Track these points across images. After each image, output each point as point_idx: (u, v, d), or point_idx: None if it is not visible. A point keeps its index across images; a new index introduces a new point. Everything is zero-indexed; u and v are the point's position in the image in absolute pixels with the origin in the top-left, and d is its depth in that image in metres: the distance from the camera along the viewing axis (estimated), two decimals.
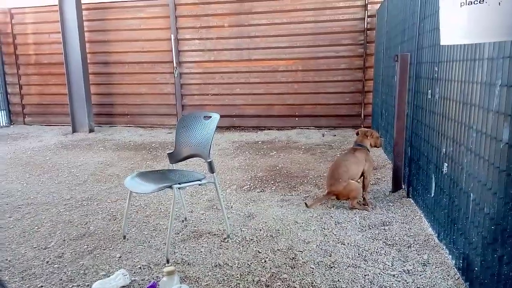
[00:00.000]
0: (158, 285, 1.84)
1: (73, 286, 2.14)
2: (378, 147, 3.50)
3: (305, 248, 2.51)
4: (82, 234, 2.80)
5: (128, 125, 7.67)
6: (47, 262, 2.42)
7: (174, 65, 7.21)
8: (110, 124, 7.74)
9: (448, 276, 2.14)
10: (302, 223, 2.89)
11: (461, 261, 2.11)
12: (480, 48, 1.86)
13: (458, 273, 2.14)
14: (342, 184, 3.09)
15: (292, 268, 2.27)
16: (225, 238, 2.67)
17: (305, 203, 3.18)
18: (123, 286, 2.10)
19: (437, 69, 2.61)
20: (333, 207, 3.19)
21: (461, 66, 2.14)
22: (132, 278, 2.18)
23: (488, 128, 1.78)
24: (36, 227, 2.94)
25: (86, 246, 2.61)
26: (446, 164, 2.38)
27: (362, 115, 6.84)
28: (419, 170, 3.05)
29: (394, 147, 3.50)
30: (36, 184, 4.05)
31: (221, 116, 2.73)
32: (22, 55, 7.98)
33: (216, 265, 2.32)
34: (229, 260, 2.37)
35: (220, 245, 2.57)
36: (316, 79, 6.86)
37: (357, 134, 3.44)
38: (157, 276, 2.18)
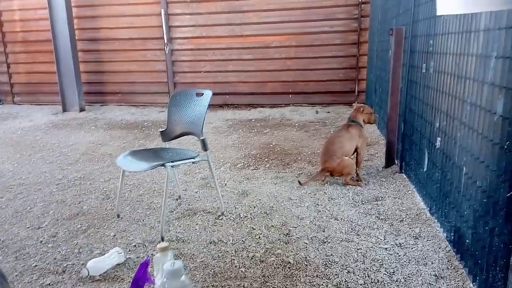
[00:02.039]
0: (152, 261, 1.84)
1: (67, 264, 2.15)
2: (371, 124, 3.48)
3: (299, 224, 2.53)
4: (75, 213, 2.79)
5: (120, 104, 7.56)
6: (41, 241, 2.41)
7: (165, 41, 7.05)
8: (101, 103, 7.62)
9: (439, 248, 2.17)
10: (296, 199, 2.90)
11: (452, 234, 2.14)
12: (476, 19, 1.83)
13: (449, 246, 2.17)
14: (336, 161, 3.09)
15: (286, 243, 2.29)
16: (219, 216, 2.67)
17: (299, 181, 3.18)
18: (118, 264, 2.10)
19: (432, 42, 2.57)
20: (326, 183, 3.20)
21: (457, 38, 2.10)
22: (127, 256, 2.19)
23: (483, 101, 1.76)
24: (29, 207, 2.92)
25: (80, 225, 2.60)
26: (439, 139, 2.38)
27: (356, 92, 6.79)
28: (412, 145, 3.06)
29: (387, 123, 3.49)
30: (28, 164, 4.01)
31: (214, 94, 2.68)
32: (8, 32, 7.75)
33: (211, 242, 2.33)
34: (223, 237, 2.38)
35: (215, 223, 2.58)
36: (310, 55, 6.77)
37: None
38: (152, 254, 2.19)
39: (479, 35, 1.80)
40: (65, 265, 2.14)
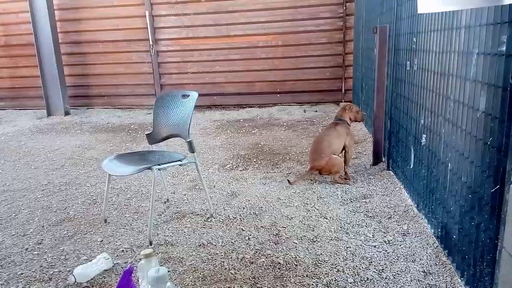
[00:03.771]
0: (136, 268, 1.82)
1: (54, 272, 2.11)
2: (359, 121, 3.50)
3: (288, 224, 2.52)
4: (61, 219, 2.75)
5: (105, 107, 7.47)
6: (27, 249, 2.36)
7: (150, 43, 6.99)
8: (86, 106, 7.52)
9: (427, 244, 2.19)
10: (285, 199, 2.90)
11: (439, 230, 2.16)
12: (457, 16, 1.84)
13: (436, 242, 2.19)
14: (324, 159, 3.10)
15: (275, 244, 2.28)
16: (208, 218, 2.65)
17: (288, 180, 3.18)
18: (106, 270, 2.08)
19: (415, 40, 2.59)
20: (315, 182, 3.20)
21: (439, 35, 2.12)
22: (115, 261, 2.16)
23: (465, 97, 1.78)
24: (14, 214, 2.87)
25: (66, 232, 2.56)
26: (425, 136, 2.40)
27: (343, 90, 6.83)
28: (399, 143, 3.08)
29: (374, 121, 3.52)
30: (12, 170, 3.93)
31: (201, 95, 2.66)
32: None
33: (200, 245, 2.31)
34: (212, 239, 2.37)
35: (204, 225, 2.56)
36: (297, 54, 6.78)
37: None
38: (139, 259, 2.16)
39: (461, 32, 1.82)
40: (51, 272, 2.10)
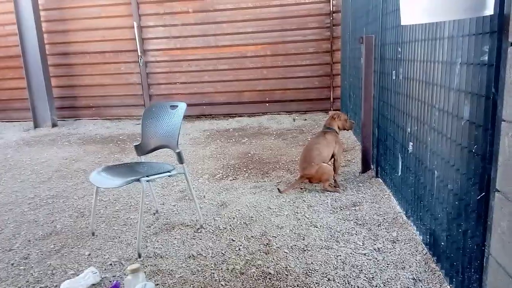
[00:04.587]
0: (122, 284, 1.79)
1: (40, 287, 2.06)
2: (347, 130, 3.53)
3: (278, 233, 2.52)
4: (48, 233, 2.70)
5: (94, 118, 7.42)
6: (12, 264, 2.31)
7: (139, 54, 6.99)
8: (74, 118, 7.46)
9: (416, 251, 2.20)
10: (275, 208, 2.90)
11: (428, 236, 2.18)
12: (441, 27, 1.89)
13: (425, 248, 2.21)
14: (314, 168, 3.12)
15: (266, 254, 2.28)
16: (198, 229, 2.64)
17: (278, 189, 3.18)
18: (94, 284, 2.04)
19: (400, 50, 2.63)
20: (305, 190, 3.21)
21: (423, 45, 2.17)
22: (103, 275, 2.12)
23: (450, 106, 1.81)
24: None
25: (53, 246, 2.51)
26: (412, 143, 2.43)
27: (332, 98, 6.90)
28: (387, 150, 3.11)
29: (362, 129, 3.55)
30: None
31: (190, 105, 2.67)
32: None
33: (190, 256, 2.29)
34: (202, 251, 2.35)
35: (193, 236, 2.54)
36: (285, 63, 6.85)
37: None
38: (125, 274, 2.13)
39: (444, 42, 1.86)
40: (37, 287, 2.06)
